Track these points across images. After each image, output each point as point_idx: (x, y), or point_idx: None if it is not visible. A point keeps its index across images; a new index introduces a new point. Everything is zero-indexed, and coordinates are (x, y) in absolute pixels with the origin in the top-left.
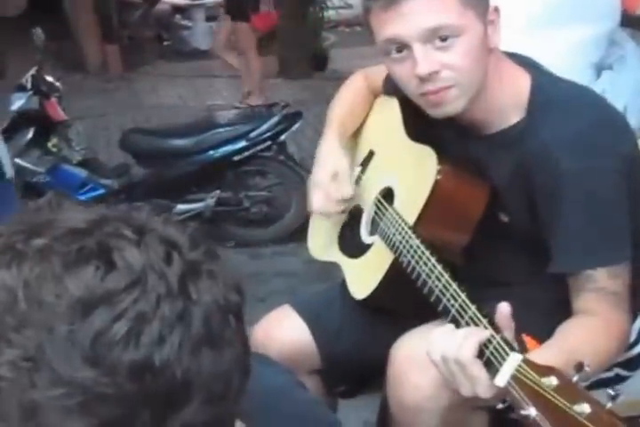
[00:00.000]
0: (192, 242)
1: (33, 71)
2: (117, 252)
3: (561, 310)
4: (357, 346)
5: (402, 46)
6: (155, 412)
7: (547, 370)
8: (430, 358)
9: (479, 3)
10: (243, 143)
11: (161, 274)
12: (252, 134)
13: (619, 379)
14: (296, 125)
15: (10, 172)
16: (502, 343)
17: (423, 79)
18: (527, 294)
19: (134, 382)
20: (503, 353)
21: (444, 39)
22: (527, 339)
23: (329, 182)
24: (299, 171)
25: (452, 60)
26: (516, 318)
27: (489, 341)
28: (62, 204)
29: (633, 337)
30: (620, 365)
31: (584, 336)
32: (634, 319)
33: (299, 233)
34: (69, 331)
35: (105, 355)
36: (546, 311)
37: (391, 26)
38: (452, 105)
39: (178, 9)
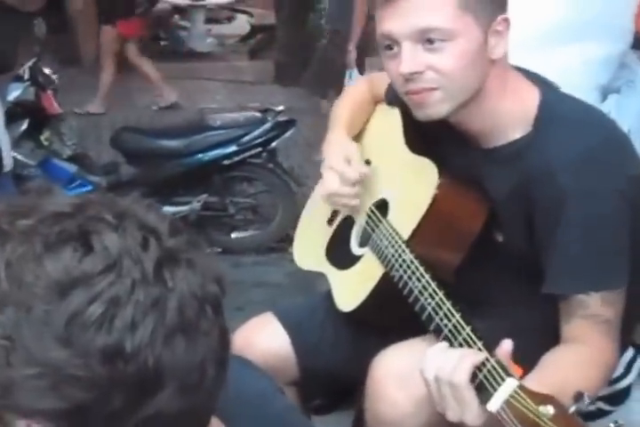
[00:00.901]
0: (172, 230)
1: (31, 63)
2: (96, 235)
3: (550, 335)
4: (337, 359)
5: (394, 43)
6: (127, 398)
7: (544, 398)
8: (423, 376)
9: (482, 10)
10: (233, 148)
11: (136, 259)
12: (244, 139)
13: (601, 413)
14: (288, 133)
15: (9, 165)
16: (497, 367)
17: (407, 78)
18: (516, 316)
19: (106, 365)
20: (497, 377)
21: (431, 41)
22: (510, 363)
23: (342, 163)
24: (287, 180)
25: (438, 62)
26: (503, 340)
27: (483, 364)
28: (50, 190)
29: (619, 371)
30: (603, 399)
31: (573, 367)
32: (622, 352)
33: (282, 243)
34: (45, 311)
35: (78, 336)
36: (534, 336)
37: (386, 22)
38: (434, 108)
39: (178, 9)
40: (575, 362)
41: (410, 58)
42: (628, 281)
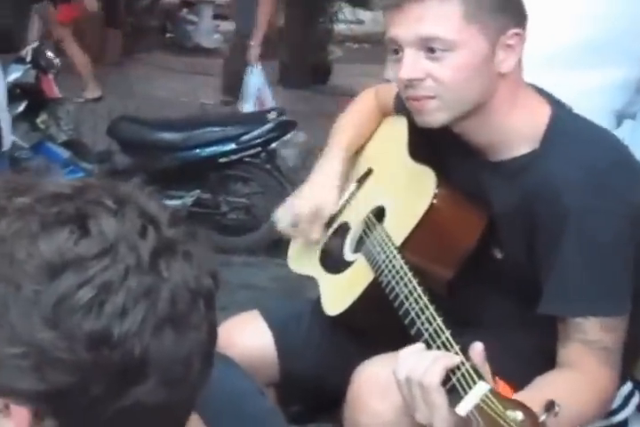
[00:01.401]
0: (172, 220)
1: (34, 45)
2: (93, 219)
3: (543, 359)
4: (319, 366)
5: (399, 48)
6: (108, 385)
7: (513, 404)
8: (395, 376)
9: (490, 22)
10: (232, 146)
11: (133, 246)
12: (243, 138)
13: None
14: (289, 135)
15: (8, 144)
16: (471, 371)
17: (406, 84)
18: (510, 338)
19: (91, 351)
20: (470, 381)
21: (432, 50)
22: (501, 383)
23: (306, 214)
24: (283, 182)
25: (438, 72)
26: (495, 362)
27: (457, 367)
28: (52, 170)
29: (617, 403)
30: None
31: (563, 392)
32: (622, 384)
33: (272, 246)
34: (35, 291)
35: (65, 319)
36: (527, 359)
37: (392, 27)
38: (431, 116)
39: (186, 3)
40: (567, 387)
41: (410, 64)
42: (630, 308)
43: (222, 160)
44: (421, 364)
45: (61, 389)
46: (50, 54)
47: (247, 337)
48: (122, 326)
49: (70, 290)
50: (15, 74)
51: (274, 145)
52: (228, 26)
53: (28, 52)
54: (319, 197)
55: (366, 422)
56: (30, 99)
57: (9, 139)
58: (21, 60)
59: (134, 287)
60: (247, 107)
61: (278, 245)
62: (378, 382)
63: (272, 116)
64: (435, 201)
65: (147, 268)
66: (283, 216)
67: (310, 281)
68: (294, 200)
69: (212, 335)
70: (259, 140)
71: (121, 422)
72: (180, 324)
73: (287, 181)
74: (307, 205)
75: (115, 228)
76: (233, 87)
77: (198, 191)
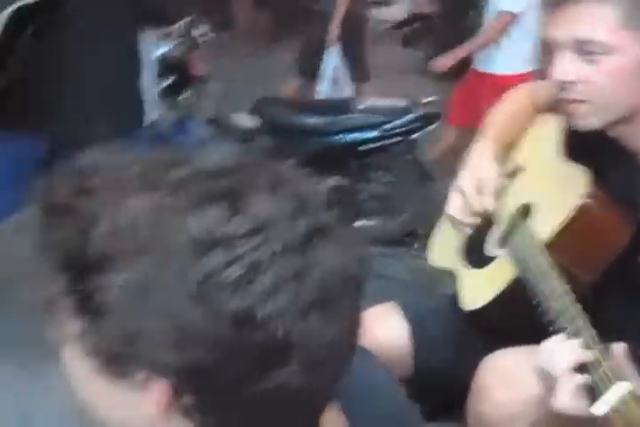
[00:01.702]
0: (327, 203)
1: (185, 21)
2: (246, 198)
3: None
4: (453, 362)
5: (555, 49)
6: (249, 366)
7: None
8: (538, 367)
9: None
10: (374, 133)
11: (285, 227)
12: (385, 127)
13: None
14: (432, 126)
15: (152, 119)
16: (610, 371)
17: (561, 86)
18: None
19: (234, 329)
20: (607, 381)
21: (587, 53)
22: None
23: (472, 191)
24: (423, 174)
25: (591, 76)
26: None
27: (596, 366)
28: (209, 146)
29: None
30: None
31: None
32: None
33: (409, 238)
34: (182, 267)
35: (211, 297)
36: None
37: (550, 27)
38: (582, 120)
39: None
40: None
41: (564, 66)
42: None
43: (363, 148)
44: (558, 359)
45: (202, 365)
46: (200, 31)
47: (385, 330)
48: (267, 306)
49: (218, 267)
50: (163, 49)
51: (415, 135)
52: (379, 12)
53: (179, 27)
54: (479, 171)
55: (490, 413)
56: (177, 74)
57: (154, 113)
58: (170, 36)
59: (283, 269)
60: (323, 87)
61: (415, 237)
62: (503, 373)
63: (416, 106)
64: (584, 202)
65: (297, 250)
66: (452, 202)
67: (446, 275)
68: (457, 182)
69: (357, 323)
70: (401, 130)
71: (261, 404)
72: (326, 308)
73: (426, 172)
74: (468, 180)
75: (267, 207)
76: (308, 70)
77: (337, 177)
